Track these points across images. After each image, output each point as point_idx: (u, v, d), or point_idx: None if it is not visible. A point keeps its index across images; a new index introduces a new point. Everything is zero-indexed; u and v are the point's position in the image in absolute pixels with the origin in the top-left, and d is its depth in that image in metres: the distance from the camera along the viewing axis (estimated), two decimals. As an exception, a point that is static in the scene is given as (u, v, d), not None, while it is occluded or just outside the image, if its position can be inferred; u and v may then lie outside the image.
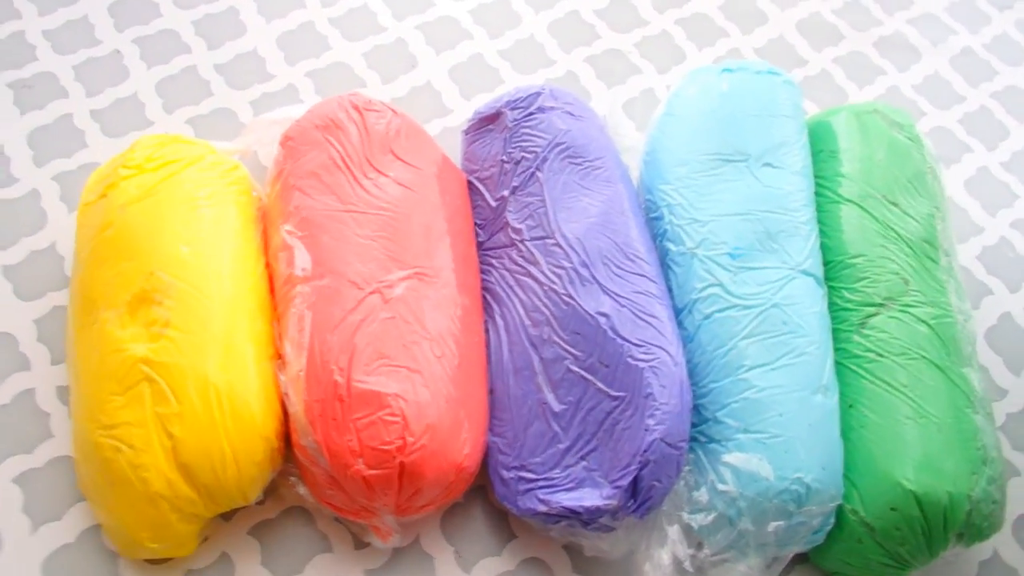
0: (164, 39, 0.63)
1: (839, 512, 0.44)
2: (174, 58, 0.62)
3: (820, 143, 0.54)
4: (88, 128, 0.58)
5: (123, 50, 0.62)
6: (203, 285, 0.44)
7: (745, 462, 0.42)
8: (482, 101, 0.56)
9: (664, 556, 0.42)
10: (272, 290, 0.48)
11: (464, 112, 0.62)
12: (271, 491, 0.47)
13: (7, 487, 0.46)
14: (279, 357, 0.45)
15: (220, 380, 0.42)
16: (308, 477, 0.44)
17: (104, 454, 0.41)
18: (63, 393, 0.49)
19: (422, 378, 0.43)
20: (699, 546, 0.44)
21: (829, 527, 0.44)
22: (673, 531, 0.43)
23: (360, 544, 0.46)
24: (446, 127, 0.61)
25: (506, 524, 0.48)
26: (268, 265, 0.48)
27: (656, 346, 0.44)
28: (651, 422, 0.42)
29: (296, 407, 0.43)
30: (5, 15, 0.63)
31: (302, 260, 0.46)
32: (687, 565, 0.42)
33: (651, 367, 0.43)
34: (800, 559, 0.48)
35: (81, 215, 0.48)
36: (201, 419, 0.41)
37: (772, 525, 0.42)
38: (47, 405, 0.49)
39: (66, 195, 0.55)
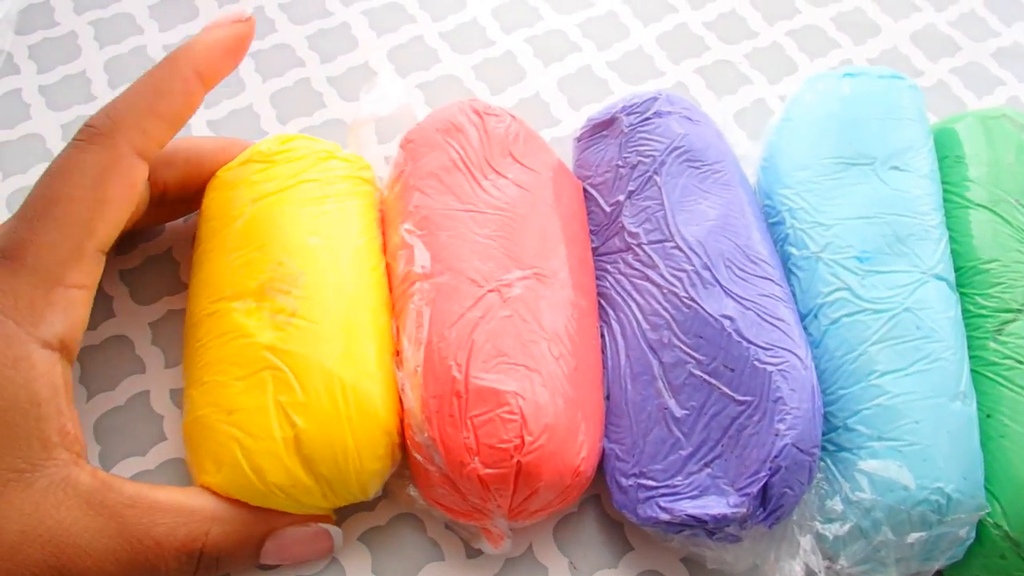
0: (279, 53, 0.64)
1: (980, 526, 0.42)
2: (288, 71, 0.63)
3: (945, 149, 0.52)
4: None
5: (239, 64, 0.63)
6: (330, 277, 0.44)
7: (883, 469, 0.41)
8: (591, 112, 0.56)
9: (796, 567, 0.41)
10: (391, 289, 0.47)
11: (572, 123, 0.61)
12: (381, 496, 0.46)
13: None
14: (398, 354, 0.45)
15: (345, 372, 0.41)
16: (421, 477, 0.44)
17: (219, 438, 0.41)
18: (176, 396, 0.49)
19: (540, 377, 0.42)
20: (833, 559, 0.42)
21: (969, 543, 0.42)
22: (806, 542, 0.41)
23: (472, 553, 0.46)
24: (554, 137, 0.61)
25: (622, 535, 0.46)
26: (387, 265, 0.48)
27: (784, 349, 0.42)
28: (781, 427, 0.40)
29: (412, 403, 0.42)
30: (126, 32, 0.65)
31: (421, 258, 0.45)
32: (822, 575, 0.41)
33: (780, 370, 0.42)
34: (935, 577, 0.46)
35: (204, 210, 0.48)
36: (326, 409, 0.41)
37: (912, 536, 0.40)
38: (160, 408, 0.49)
39: (182, 203, 0.56)
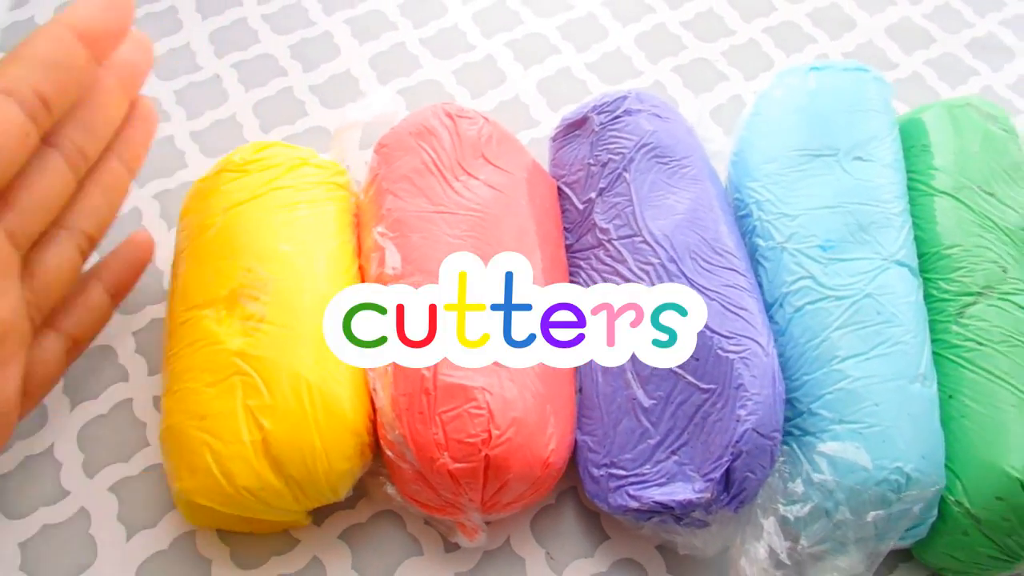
0: (261, 63, 0.65)
1: (943, 505, 0.43)
2: (271, 80, 0.64)
3: (912, 139, 0.53)
4: (188, 148, 0.60)
5: (222, 74, 0.64)
6: (300, 283, 0.45)
7: (841, 451, 0.42)
8: (569, 112, 0.57)
9: (760, 549, 0.42)
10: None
11: (551, 123, 0.62)
12: (361, 494, 0.48)
13: (104, 496, 0.47)
14: None
15: (312, 375, 0.42)
16: (395, 474, 0.45)
17: (191, 444, 0.42)
18: (159, 403, 0.50)
19: (508, 372, 0.43)
20: (796, 539, 0.42)
21: (932, 520, 0.43)
22: (768, 523, 0.42)
23: (450, 547, 0.47)
24: (534, 138, 0.62)
25: (598, 525, 0.47)
26: (360, 267, 0.49)
27: (746, 337, 0.43)
28: (742, 412, 0.41)
29: (383, 401, 0.43)
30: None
31: (392, 259, 0.46)
32: (784, 557, 0.41)
33: (741, 358, 0.43)
34: (904, 556, 0.46)
35: (181, 220, 0.49)
36: (293, 412, 0.42)
37: (871, 515, 0.41)
38: (144, 415, 0.50)
39: (166, 213, 0.57)
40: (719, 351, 0.43)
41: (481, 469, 0.42)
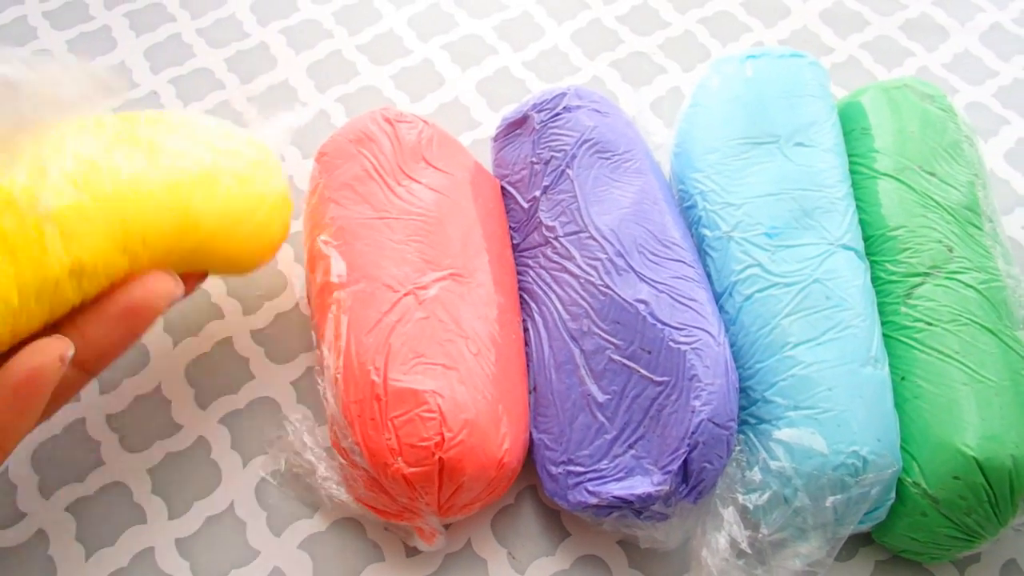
0: (198, 77, 0.64)
1: (900, 487, 0.43)
2: (208, 94, 0.64)
3: (851, 122, 0.53)
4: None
5: (159, 90, 0.63)
6: None
7: (797, 437, 0.42)
8: (509, 112, 0.56)
9: (721, 539, 0.41)
10: (311, 299, 0.48)
11: (492, 124, 0.62)
12: (318, 504, 0.47)
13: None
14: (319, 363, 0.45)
15: None
16: (350, 482, 0.44)
17: None
18: (113, 420, 0.49)
19: (459, 375, 0.43)
20: (756, 528, 0.42)
21: (890, 503, 0.43)
22: (728, 513, 0.42)
23: (411, 552, 0.46)
24: (475, 139, 0.61)
25: (559, 523, 0.47)
26: (308, 277, 0.49)
27: (697, 328, 0.43)
28: (697, 403, 0.41)
29: (334, 408, 0.43)
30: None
31: (337, 267, 0.46)
32: (745, 546, 0.41)
33: (693, 349, 0.42)
34: (865, 540, 0.46)
35: None
36: None
37: (829, 500, 0.41)
38: (97, 434, 0.49)
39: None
40: (671, 343, 0.43)
41: (436, 472, 0.41)
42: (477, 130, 0.62)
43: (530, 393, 0.47)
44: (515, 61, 0.66)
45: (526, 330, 0.49)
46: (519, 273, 0.50)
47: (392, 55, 0.66)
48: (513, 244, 0.51)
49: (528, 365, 0.48)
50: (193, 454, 0.49)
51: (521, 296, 0.50)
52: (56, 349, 0.36)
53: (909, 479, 0.43)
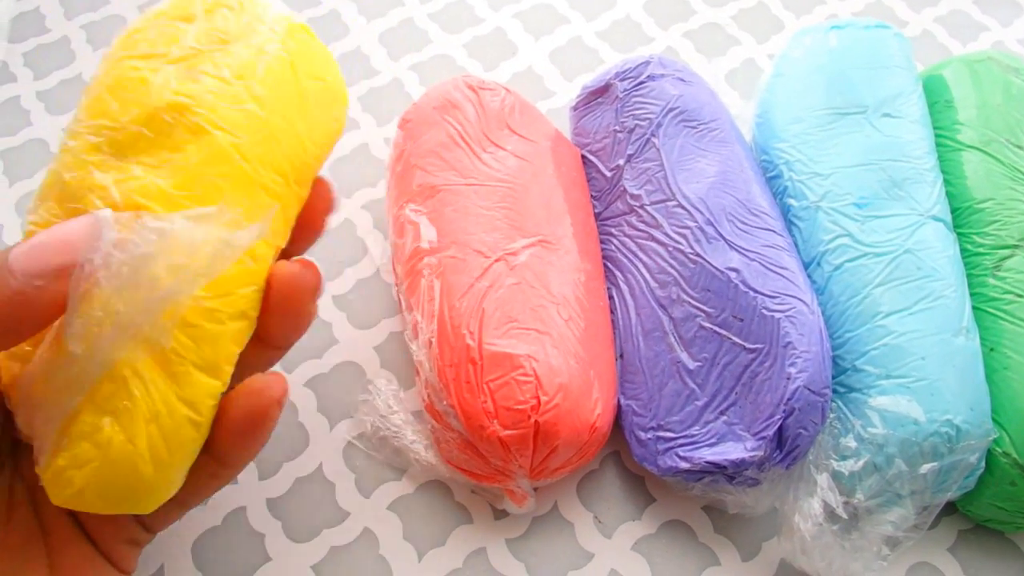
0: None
1: (989, 456, 0.43)
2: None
3: (934, 95, 0.53)
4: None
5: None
6: None
7: (893, 405, 0.42)
8: (584, 82, 0.56)
9: (815, 505, 0.42)
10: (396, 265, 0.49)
11: (567, 93, 0.62)
12: (405, 467, 0.48)
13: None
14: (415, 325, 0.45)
15: None
16: (443, 445, 0.45)
17: None
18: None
19: (551, 340, 0.43)
20: (850, 494, 0.43)
21: (980, 472, 0.43)
22: (823, 479, 0.42)
23: (499, 514, 0.47)
24: (550, 109, 0.62)
25: (643, 488, 0.48)
26: (394, 244, 0.49)
27: (790, 296, 0.43)
28: (793, 370, 0.42)
29: (429, 372, 0.43)
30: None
31: (428, 233, 0.46)
32: (840, 511, 0.42)
33: (787, 316, 0.43)
34: (948, 510, 0.46)
35: None
36: None
37: (925, 467, 0.41)
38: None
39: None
40: (764, 311, 0.43)
41: (531, 435, 0.42)
42: (551, 99, 0.62)
43: (617, 360, 0.47)
44: (588, 31, 0.66)
45: (611, 298, 0.49)
46: (602, 242, 0.51)
47: (464, 24, 0.66)
48: (595, 213, 0.52)
49: (614, 332, 0.48)
50: (281, 417, 0.49)
51: (604, 264, 0.50)
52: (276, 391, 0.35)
53: (999, 449, 0.43)
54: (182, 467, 0.33)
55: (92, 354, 0.30)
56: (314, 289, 0.36)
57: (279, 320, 0.36)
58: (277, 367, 0.50)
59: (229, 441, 0.34)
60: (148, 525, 0.38)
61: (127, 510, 0.33)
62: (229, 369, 0.34)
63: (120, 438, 0.31)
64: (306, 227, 0.39)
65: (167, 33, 0.36)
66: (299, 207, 0.38)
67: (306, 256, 0.50)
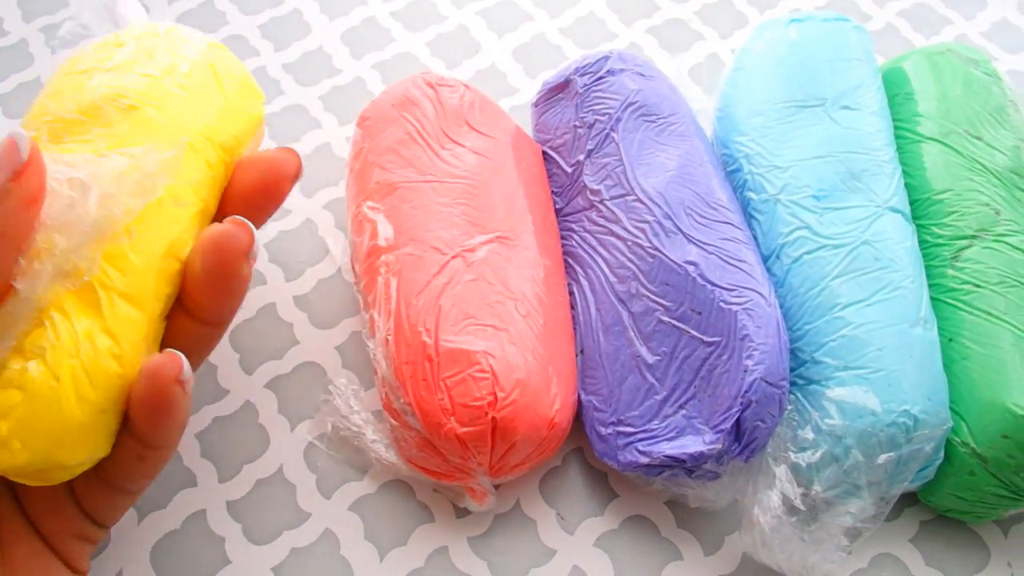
0: (232, 44, 0.64)
1: (948, 446, 0.43)
2: (243, 60, 0.63)
3: (894, 87, 0.53)
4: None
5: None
6: None
7: (850, 396, 0.42)
8: (547, 78, 0.56)
9: (773, 497, 0.42)
10: (356, 263, 0.49)
11: (530, 90, 0.62)
12: (367, 466, 0.47)
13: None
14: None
15: None
16: (402, 443, 0.44)
17: None
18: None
19: (508, 335, 0.43)
20: (808, 486, 0.43)
21: (939, 462, 0.43)
22: (781, 471, 0.42)
23: (461, 512, 0.46)
24: (513, 106, 0.61)
25: (606, 484, 0.47)
26: (353, 241, 0.49)
27: (747, 288, 0.43)
28: (750, 363, 0.41)
29: (386, 370, 0.43)
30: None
31: (384, 231, 0.46)
32: (798, 503, 0.41)
33: (744, 309, 0.43)
34: (910, 500, 0.47)
35: None
36: None
37: (882, 457, 0.41)
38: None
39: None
40: (721, 304, 0.43)
41: (489, 432, 0.41)
42: (515, 96, 0.62)
43: (578, 356, 0.47)
44: (551, 27, 0.65)
45: (571, 293, 0.49)
46: (563, 237, 0.51)
47: (427, 21, 0.66)
48: (556, 208, 0.51)
49: (575, 328, 0.48)
50: (240, 418, 0.49)
51: (565, 260, 0.50)
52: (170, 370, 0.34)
53: (957, 439, 0.43)
54: (107, 408, 0.33)
55: (28, 292, 0.32)
56: (245, 249, 0.36)
57: (209, 285, 0.36)
58: (238, 369, 0.50)
59: (142, 419, 0.34)
60: (97, 518, 0.38)
61: (57, 459, 0.32)
62: (157, 306, 0.35)
63: (44, 377, 0.31)
64: (268, 192, 0.40)
65: (102, 55, 0.40)
66: (227, 175, 0.41)
67: (263, 251, 0.50)
